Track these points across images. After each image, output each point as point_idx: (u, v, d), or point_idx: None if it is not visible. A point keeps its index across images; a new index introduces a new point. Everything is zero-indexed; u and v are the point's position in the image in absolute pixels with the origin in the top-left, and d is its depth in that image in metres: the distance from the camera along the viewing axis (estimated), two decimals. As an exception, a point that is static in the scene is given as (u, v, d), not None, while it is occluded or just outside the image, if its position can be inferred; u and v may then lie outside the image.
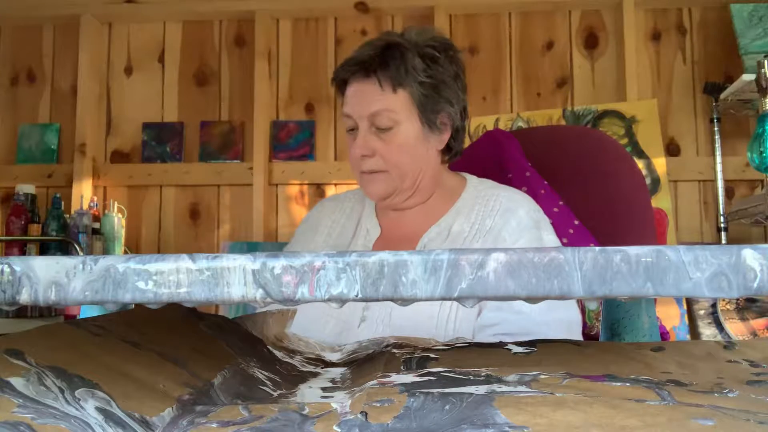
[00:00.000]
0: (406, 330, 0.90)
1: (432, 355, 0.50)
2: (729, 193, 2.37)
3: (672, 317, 2.16)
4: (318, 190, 2.53)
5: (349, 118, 1.02)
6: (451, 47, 1.05)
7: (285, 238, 2.48)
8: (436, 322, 0.93)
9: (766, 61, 1.94)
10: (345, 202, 1.17)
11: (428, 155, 1.04)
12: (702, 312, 2.21)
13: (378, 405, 0.36)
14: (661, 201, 2.27)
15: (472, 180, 1.11)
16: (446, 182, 1.09)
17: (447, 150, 1.07)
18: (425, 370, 0.46)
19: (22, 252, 2.28)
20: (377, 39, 1.03)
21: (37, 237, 2.27)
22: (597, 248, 0.32)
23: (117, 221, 2.37)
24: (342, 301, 0.33)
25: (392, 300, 0.33)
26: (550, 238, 1.02)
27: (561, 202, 1.19)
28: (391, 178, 1.02)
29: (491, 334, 0.91)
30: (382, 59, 0.99)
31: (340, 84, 1.05)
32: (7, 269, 0.33)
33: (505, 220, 1.00)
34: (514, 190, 1.09)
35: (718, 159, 2.34)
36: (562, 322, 0.93)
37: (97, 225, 2.34)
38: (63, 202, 2.33)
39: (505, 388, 0.40)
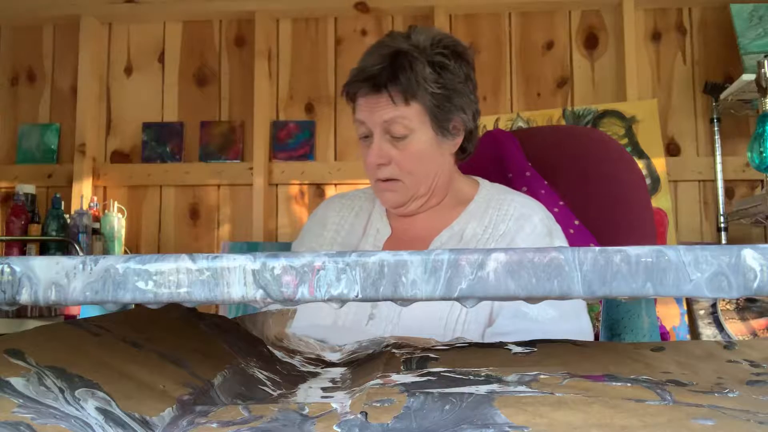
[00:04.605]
0: (413, 330, 0.89)
1: (432, 355, 0.50)
2: (729, 193, 2.37)
3: (672, 317, 2.16)
4: (318, 190, 2.53)
5: (362, 125, 1.01)
6: (458, 46, 1.02)
7: (285, 238, 2.48)
8: (445, 323, 0.93)
9: (766, 61, 1.94)
10: (354, 200, 1.15)
11: (442, 160, 1.03)
12: (702, 312, 2.21)
13: (378, 405, 0.36)
14: (661, 201, 2.27)
15: (484, 183, 1.10)
16: (458, 186, 1.09)
17: (461, 150, 1.07)
18: (425, 370, 0.46)
19: (22, 252, 2.28)
20: (384, 46, 0.99)
21: (37, 237, 2.27)
22: (597, 248, 0.32)
23: (117, 221, 2.38)
24: (342, 301, 0.33)
25: (392, 300, 0.33)
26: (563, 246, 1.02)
27: (561, 202, 1.19)
28: (407, 187, 1.01)
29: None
30: (391, 72, 0.96)
31: (351, 95, 1.02)
32: (7, 269, 0.33)
33: (519, 225, 1.00)
34: (526, 196, 1.08)
35: (718, 159, 2.34)
36: (574, 333, 0.92)
37: (97, 225, 2.34)
38: (63, 202, 2.33)
39: (505, 388, 0.40)
